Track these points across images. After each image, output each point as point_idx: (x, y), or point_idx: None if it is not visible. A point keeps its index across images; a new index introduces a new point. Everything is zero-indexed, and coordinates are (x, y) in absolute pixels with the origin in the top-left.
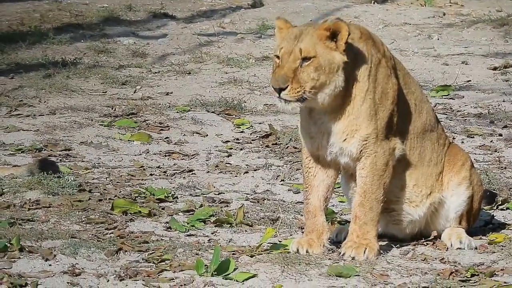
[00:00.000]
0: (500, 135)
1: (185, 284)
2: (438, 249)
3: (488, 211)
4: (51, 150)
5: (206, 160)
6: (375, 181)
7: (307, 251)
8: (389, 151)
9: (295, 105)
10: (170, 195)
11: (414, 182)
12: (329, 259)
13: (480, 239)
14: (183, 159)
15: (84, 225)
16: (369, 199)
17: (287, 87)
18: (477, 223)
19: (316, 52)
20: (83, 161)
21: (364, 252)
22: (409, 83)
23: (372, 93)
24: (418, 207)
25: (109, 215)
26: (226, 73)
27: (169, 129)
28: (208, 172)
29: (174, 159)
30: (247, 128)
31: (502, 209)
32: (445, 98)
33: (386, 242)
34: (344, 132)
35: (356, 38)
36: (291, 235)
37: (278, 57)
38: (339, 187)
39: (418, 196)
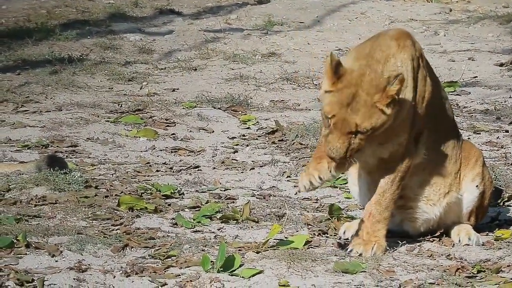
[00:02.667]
0: (507, 131)
1: (191, 280)
2: (444, 245)
3: (494, 207)
4: (57, 146)
5: (212, 156)
6: (396, 182)
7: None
8: (414, 155)
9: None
10: (176, 191)
11: (433, 181)
12: (335, 255)
13: (486, 235)
14: (189, 155)
15: (91, 221)
16: (386, 199)
17: (340, 158)
18: (483, 219)
19: (372, 124)
20: (89, 157)
21: (372, 249)
22: (436, 80)
23: (415, 98)
24: (435, 205)
25: (115, 211)
26: (232, 69)
27: (175, 125)
28: (214, 168)
29: (180, 155)
30: (253, 124)
31: (508, 206)
32: (451, 94)
33: (393, 239)
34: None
35: (395, 51)
36: (297, 231)
37: (328, 118)
38: (345, 183)
39: (436, 195)
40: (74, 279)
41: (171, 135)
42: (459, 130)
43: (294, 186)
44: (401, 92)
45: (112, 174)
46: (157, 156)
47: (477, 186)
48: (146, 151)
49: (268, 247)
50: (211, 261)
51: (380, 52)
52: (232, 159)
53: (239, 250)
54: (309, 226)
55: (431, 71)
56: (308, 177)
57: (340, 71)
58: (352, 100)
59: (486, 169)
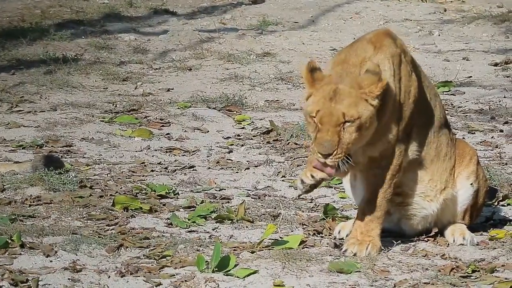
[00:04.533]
0: (501, 131)
1: (186, 280)
2: (439, 245)
3: (489, 207)
4: (52, 146)
5: (207, 156)
6: (387, 181)
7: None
8: (404, 152)
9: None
10: (171, 191)
11: (430, 177)
12: (330, 255)
13: (481, 235)
14: (184, 155)
15: (85, 221)
16: (379, 197)
17: (333, 152)
18: (478, 219)
19: (359, 112)
20: (84, 157)
21: (367, 249)
22: (423, 76)
23: (398, 94)
24: (433, 201)
25: (110, 211)
26: (227, 69)
27: (170, 125)
28: (209, 168)
29: (175, 155)
30: (248, 124)
31: (503, 205)
32: (446, 94)
33: (387, 238)
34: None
35: (370, 54)
36: (292, 231)
37: (313, 117)
38: (340, 183)
39: (433, 191)
40: (68, 279)
41: (166, 135)
42: (452, 128)
43: (289, 186)
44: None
45: (107, 174)
46: (152, 156)
47: (471, 184)
48: (141, 151)
49: (263, 247)
50: (206, 261)
51: (355, 57)
52: (227, 159)
53: (234, 250)
54: (304, 226)
55: (416, 68)
56: (300, 178)
57: (317, 74)
58: (334, 94)
59: (481, 167)
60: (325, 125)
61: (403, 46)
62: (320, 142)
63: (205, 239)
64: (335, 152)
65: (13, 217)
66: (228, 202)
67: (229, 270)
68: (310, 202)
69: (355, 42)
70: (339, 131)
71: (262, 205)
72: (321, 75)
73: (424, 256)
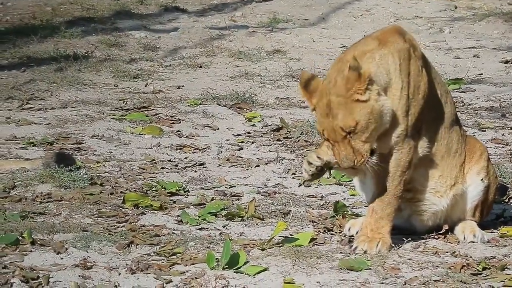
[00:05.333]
0: None
1: (196, 278)
2: (449, 242)
3: (499, 204)
4: (62, 143)
5: (218, 154)
6: (396, 177)
7: None
8: (414, 148)
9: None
10: (181, 188)
11: (440, 173)
12: (341, 252)
13: (491, 232)
14: (194, 152)
15: (96, 218)
16: (388, 195)
17: (354, 162)
18: (488, 216)
19: (355, 119)
20: (94, 155)
21: (377, 246)
22: (434, 72)
23: (406, 89)
24: (443, 197)
25: (121, 208)
26: (238, 66)
27: (180, 122)
28: (220, 165)
29: (185, 152)
30: (258, 121)
31: None
32: (456, 91)
33: (397, 236)
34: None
35: (372, 48)
36: (302, 228)
37: (323, 135)
38: (350, 180)
39: (443, 187)
40: (79, 276)
41: (176, 132)
42: (462, 125)
43: (299, 185)
44: (382, 81)
45: (117, 171)
46: (162, 153)
47: (482, 179)
48: (151, 148)
49: (273, 244)
50: (216, 258)
51: (354, 52)
52: (237, 156)
53: (244, 247)
54: (314, 223)
55: (427, 64)
56: (306, 160)
57: (312, 86)
58: (329, 109)
59: (491, 164)
60: (334, 141)
61: (413, 41)
62: (339, 158)
63: (215, 236)
64: (355, 161)
65: (24, 214)
66: (238, 199)
67: (239, 268)
68: (321, 200)
69: (362, 38)
70: (348, 141)
71: (272, 203)
72: (316, 84)
73: (435, 254)
